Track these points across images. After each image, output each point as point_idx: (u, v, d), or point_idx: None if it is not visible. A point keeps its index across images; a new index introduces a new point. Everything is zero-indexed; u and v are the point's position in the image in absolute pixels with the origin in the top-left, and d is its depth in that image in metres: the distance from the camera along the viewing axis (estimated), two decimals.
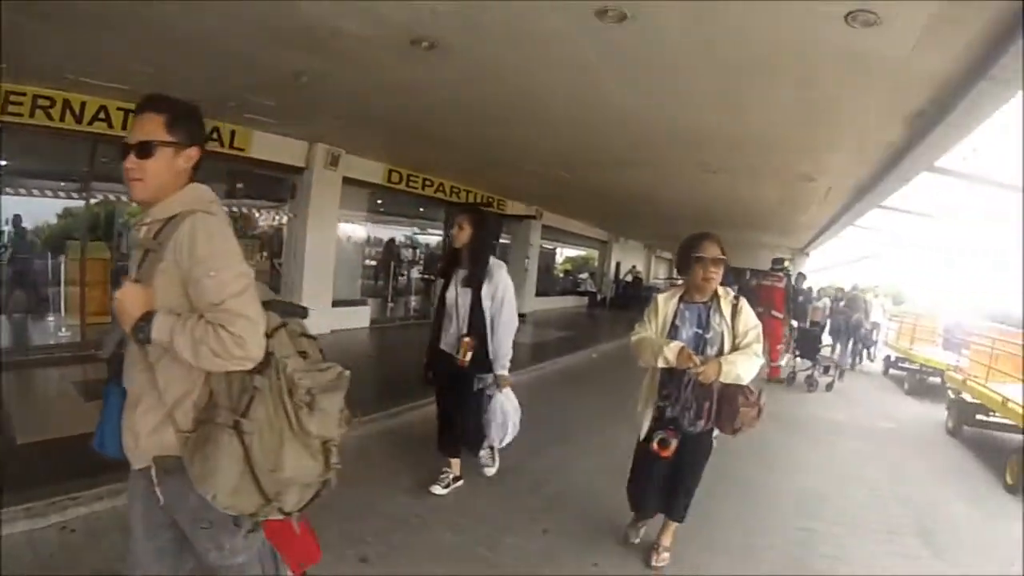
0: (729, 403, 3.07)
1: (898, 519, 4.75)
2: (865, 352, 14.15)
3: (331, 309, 9.94)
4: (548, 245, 20.43)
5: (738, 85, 4.67)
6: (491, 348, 3.97)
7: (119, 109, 6.69)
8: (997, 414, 7.24)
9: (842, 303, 13.93)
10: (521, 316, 14.44)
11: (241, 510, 1.78)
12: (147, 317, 1.65)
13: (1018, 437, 6.50)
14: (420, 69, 4.86)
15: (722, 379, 3.02)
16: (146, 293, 1.69)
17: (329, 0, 3.73)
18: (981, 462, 6.84)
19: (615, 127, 6.46)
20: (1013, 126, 5.08)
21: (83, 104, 6.55)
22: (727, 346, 3.13)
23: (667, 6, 3.41)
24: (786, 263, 11.62)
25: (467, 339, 3.87)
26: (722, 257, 3.13)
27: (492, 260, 3.98)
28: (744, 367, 3.05)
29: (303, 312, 2.04)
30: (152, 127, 1.76)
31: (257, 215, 11.26)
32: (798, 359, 10.85)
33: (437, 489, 4.12)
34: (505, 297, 3.93)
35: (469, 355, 3.87)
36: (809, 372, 10.48)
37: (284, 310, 1.93)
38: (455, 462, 4.25)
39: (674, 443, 3.13)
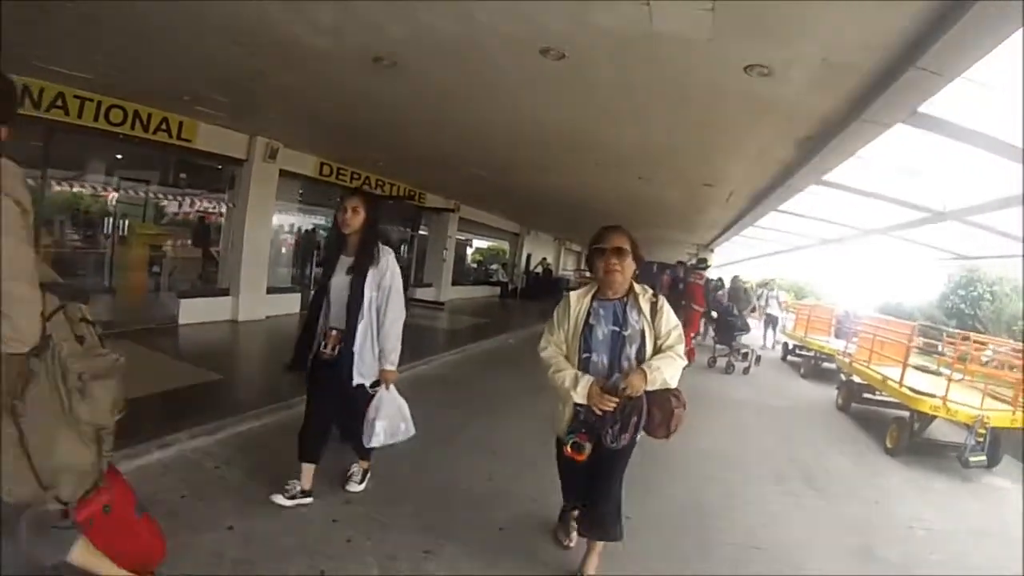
0: (661, 408, 2.89)
1: (787, 470, 5.69)
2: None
3: (266, 296, 10.21)
4: (462, 236, 20.76)
5: (648, 109, 5.50)
6: (376, 341, 3.61)
7: (76, 97, 6.78)
8: (880, 392, 8.14)
9: (720, 292, 14.51)
10: (439, 304, 14.93)
11: (18, 498, 1.76)
12: None
13: (897, 411, 7.52)
14: (375, 82, 5.47)
15: (649, 387, 2.81)
16: None
17: (305, 24, 4.26)
18: (865, 431, 7.82)
19: (535, 137, 7.29)
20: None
21: (41, 90, 6.55)
22: (648, 346, 2.93)
23: (597, 47, 4.13)
24: (708, 263, 12.64)
25: (334, 332, 3.54)
26: (624, 247, 2.92)
27: (380, 245, 3.64)
28: (670, 371, 2.86)
29: (84, 296, 1.95)
30: None
31: (174, 202, 11.05)
32: (717, 345, 11.97)
33: (279, 499, 3.65)
34: (393, 285, 3.60)
35: (337, 348, 3.54)
36: (727, 357, 11.53)
37: (64, 293, 1.87)
38: (307, 469, 3.71)
39: (588, 447, 2.90)
